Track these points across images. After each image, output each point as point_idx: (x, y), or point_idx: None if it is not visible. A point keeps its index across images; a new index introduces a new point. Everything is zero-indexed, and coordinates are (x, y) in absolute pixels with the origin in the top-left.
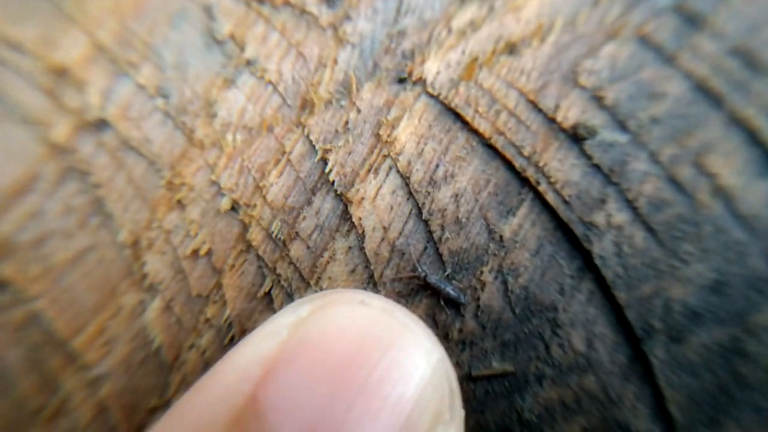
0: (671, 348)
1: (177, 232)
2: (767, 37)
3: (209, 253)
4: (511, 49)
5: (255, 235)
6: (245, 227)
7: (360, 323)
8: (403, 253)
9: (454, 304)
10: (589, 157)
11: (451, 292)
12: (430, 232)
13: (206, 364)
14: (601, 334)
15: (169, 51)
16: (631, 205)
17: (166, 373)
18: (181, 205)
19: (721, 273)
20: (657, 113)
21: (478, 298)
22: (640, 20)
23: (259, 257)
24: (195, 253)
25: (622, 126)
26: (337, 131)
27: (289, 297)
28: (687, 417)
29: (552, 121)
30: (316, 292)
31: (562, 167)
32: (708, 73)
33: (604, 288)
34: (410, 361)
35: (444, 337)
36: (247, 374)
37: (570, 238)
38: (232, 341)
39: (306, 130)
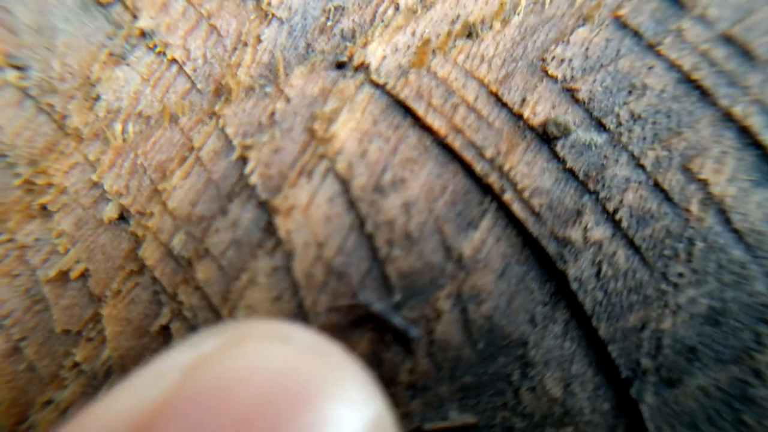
0: (663, 392)
1: (37, 248)
2: (761, 23)
3: (85, 275)
4: (470, 31)
5: (150, 253)
6: (137, 242)
7: (276, 367)
8: (342, 276)
9: (403, 340)
10: (561, 161)
11: (400, 324)
12: (375, 250)
13: None
14: (581, 374)
15: (24, 7)
16: (611, 217)
17: None
18: (45, 211)
19: (718, 300)
20: (638, 109)
21: (432, 331)
22: (617, 0)
23: (154, 280)
24: (63, 275)
25: (598, 124)
26: (260, 124)
27: (194, 331)
28: None
29: (518, 117)
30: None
31: (530, 172)
32: (694, 63)
33: (582, 318)
34: (337, 420)
35: (390, 381)
36: (118, 429)
37: (541, 257)
38: None
39: (221, 122)
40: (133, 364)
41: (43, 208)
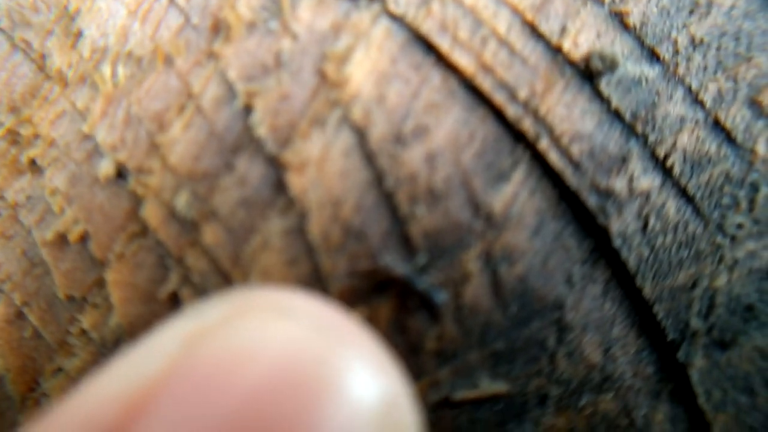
0: (716, 355)
1: (30, 207)
2: None
3: (84, 237)
4: None
5: (152, 213)
6: (138, 201)
7: (283, 346)
8: (361, 237)
9: (429, 305)
10: (605, 100)
11: (425, 288)
12: (396, 208)
13: None
14: (622, 338)
15: None
16: (661, 163)
17: (12, 411)
18: (35, 166)
19: None
20: (700, 32)
21: (460, 295)
22: None
23: (159, 243)
24: (61, 237)
25: (651, 54)
26: (265, 67)
27: (205, 298)
28: None
29: (557, 50)
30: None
31: (569, 115)
32: None
33: (624, 277)
34: (345, 405)
35: (416, 349)
36: (105, 414)
37: (580, 211)
38: None
39: (221, 65)
40: (143, 332)
41: (33, 162)
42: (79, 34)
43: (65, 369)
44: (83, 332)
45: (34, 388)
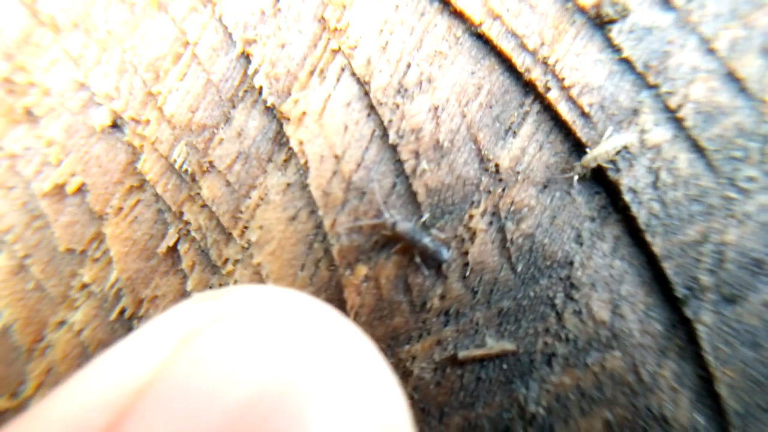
0: (724, 311)
1: (28, 158)
2: None
3: (82, 189)
4: None
5: (150, 166)
6: (135, 154)
7: (268, 351)
8: (364, 192)
9: (434, 262)
10: (617, 49)
11: (429, 245)
12: (400, 162)
13: (83, 349)
14: (630, 295)
15: None
16: (673, 115)
17: (20, 362)
18: (31, 116)
19: None
20: None
21: (467, 253)
22: None
23: (157, 197)
24: (59, 189)
25: (664, 1)
26: (263, 12)
27: (203, 254)
28: (743, 401)
29: None
30: (242, 247)
31: (579, 65)
32: None
33: (634, 233)
34: (338, 421)
35: (421, 308)
36: (93, 415)
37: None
38: (122, 316)
39: (217, 10)
40: (143, 287)
41: (29, 111)
42: None
43: (68, 322)
44: (84, 286)
45: (39, 339)
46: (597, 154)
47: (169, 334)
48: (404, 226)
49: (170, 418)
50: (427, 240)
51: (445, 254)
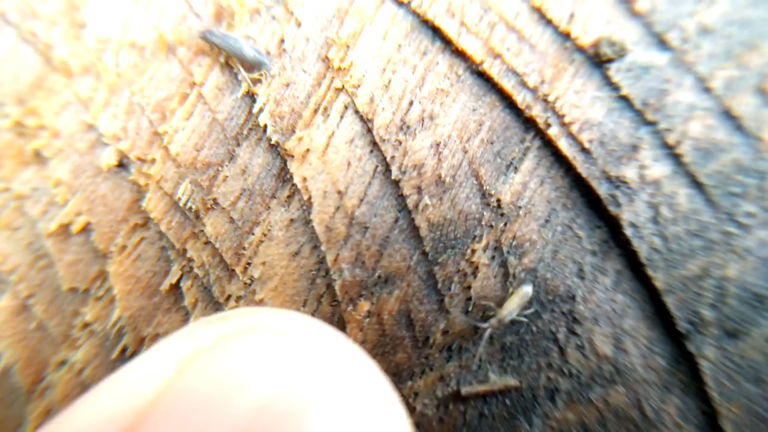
0: (727, 345)
1: (35, 199)
2: None
3: (87, 228)
4: None
5: (154, 204)
6: (140, 192)
7: (276, 370)
8: (366, 227)
9: (252, 67)
10: (615, 87)
11: (247, 51)
12: (403, 197)
13: (83, 389)
14: (633, 330)
15: None
16: (672, 152)
17: (19, 404)
18: (40, 157)
19: None
20: (709, 20)
21: (469, 287)
22: None
23: (161, 235)
24: (64, 228)
25: (660, 41)
26: (268, 53)
27: (206, 291)
28: None
29: (565, 36)
30: (245, 283)
31: (579, 102)
32: None
33: (636, 268)
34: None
35: (423, 343)
36: None
37: (591, 200)
38: (123, 354)
39: (224, 53)
40: (145, 325)
41: (38, 153)
42: (84, 25)
43: (69, 361)
44: (86, 325)
45: (40, 380)
46: (510, 309)
47: (173, 355)
48: (216, 33)
49: None
50: (245, 47)
51: (264, 59)
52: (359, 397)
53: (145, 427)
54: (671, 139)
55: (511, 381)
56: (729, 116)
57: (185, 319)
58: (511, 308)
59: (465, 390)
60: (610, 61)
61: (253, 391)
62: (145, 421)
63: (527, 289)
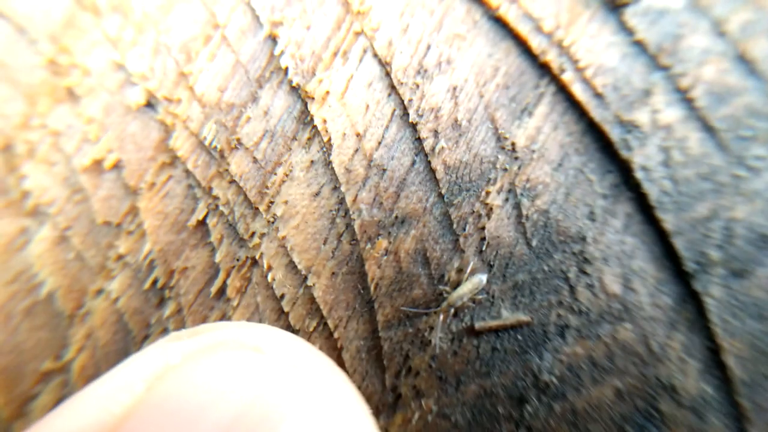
0: (732, 284)
1: (70, 135)
2: None
3: (118, 165)
4: None
5: (181, 143)
6: (167, 131)
7: (245, 386)
8: (384, 170)
9: None
10: (630, 32)
11: None
12: (420, 141)
13: (119, 317)
14: (641, 270)
15: None
16: (684, 96)
17: (63, 327)
18: (73, 95)
19: None
20: None
21: (483, 228)
22: None
23: (188, 173)
24: (97, 164)
25: None
26: None
27: (231, 228)
28: (749, 371)
29: None
30: (268, 221)
31: (594, 47)
32: None
33: (646, 210)
34: None
35: (439, 280)
36: None
37: (603, 144)
38: (155, 285)
39: None
40: (174, 258)
41: (70, 91)
42: None
43: (106, 290)
44: (120, 257)
45: (80, 306)
46: (461, 293)
47: (143, 371)
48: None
49: None
50: None
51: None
52: (330, 409)
53: None
54: (684, 83)
55: (523, 317)
56: (743, 60)
57: (211, 254)
58: (463, 293)
59: (478, 325)
60: (625, 5)
61: (223, 406)
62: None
63: (481, 278)
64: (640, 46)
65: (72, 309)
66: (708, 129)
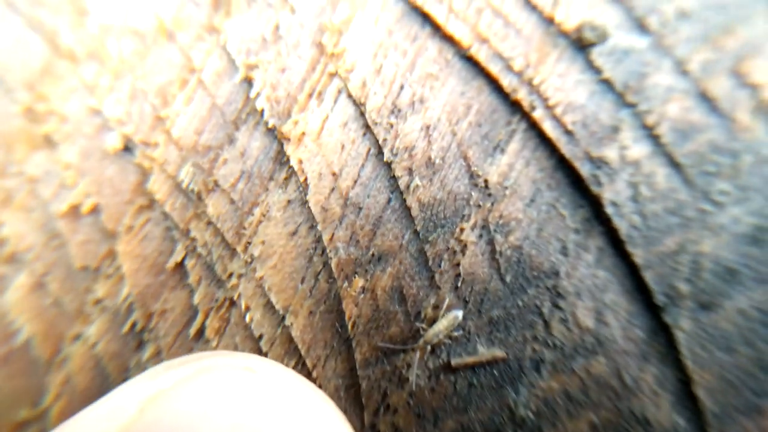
0: (700, 317)
1: (47, 182)
2: None
3: (96, 210)
4: None
5: (159, 186)
6: (145, 174)
7: (235, 405)
8: (360, 208)
9: None
10: (597, 71)
11: None
12: (395, 179)
13: (98, 361)
14: (614, 303)
15: None
16: (651, 133)
17: (40, 374)
18: (50, 142)
19: (763, 217)
20: (686, 4)
21: (458, 264)
22: None
23: (166, 216)
24: (75, 209)
25: (640, 25)
26: (264, 40)
27: (209, 269)
28: (719, 403)
29: (550, 21)
30: (246, 262)
31: (563, 85)
32: None
33: (616, 244)
34: None
35: (415, 317)
36: None
37: (574, 180)
38: (134, 329)
39: (222, 39)
40: (153, 301)
41: (48, 138)
42: (86, 12)
43: (84, 335)
44: (98, 301)
45: (57, 352)
46: (438, 330)
47: (136, 396)
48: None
49: None
50: None
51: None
52: (319, 425)
53: None
54: (650, 120)
55: (499, 353)
56: (705, 98)
57: (190, 296)
58: (439, 330)
59: (455, 361)
60: (592, 45)
61: (214, 425)
62: None
63: (457, 314)
64: (607, 84)
65: (49, 355)
66: (674, 164)
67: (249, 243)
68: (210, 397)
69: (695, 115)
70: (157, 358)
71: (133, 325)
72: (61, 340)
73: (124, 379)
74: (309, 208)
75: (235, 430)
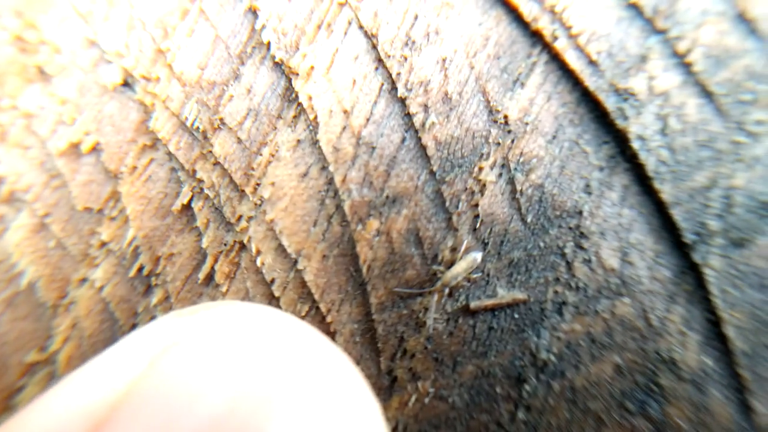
0: (732, 254)
1: (43, 117)
2: None
3: (97, 148)
4: None
5: (162, 124)
6: (147, 112)
7: (249, 364)
8: (374, 147)
9: None
10: None
11: None
12: (410, 116)
13: (105, 305)
14: (639, 243)
15: None
16: (682, 60)
17: (47, 317)
18: (44, 75)
19: None
20: None
21: (477, 205)
22: None
23: (170, 156)
24: (74, 147)
25: None
26: None
27: (217, 211)
28: (750, 342)
29: None
30: (255, 204)
31: (587, 12)
32: None
33: (643, 181)
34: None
35: (432, 260)
36: (70, 426)
37: (599, 114)
38: (141, 273)
39: None
40: (160, 245)
41: (41, 70)
42: None
43: (90, 279)
44: (103, 244)
45: (63, 296)
46: (456, 272)
47: (146, 348)
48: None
49: (145, 429)
50: None
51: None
52: (329, 400)
53: (116, 420)
54: (681, 47)
55: (519, 295)
56: (743, 19)
57: (198, 239)
58: (457, 273)
59: (474, 304)
60: None
61: (222, 392)
62: (116, 414)
63: (475, 256)
64: (635, 9)
65: (55, 299)
66: (706, 94)
67: (258, 184)
68: (222, 351)
69: (731, 39)
70: (166, 302)
71: (140, 269)
72: (67, 284)
73: (133, 325)
74: (320, 147)
75: (248, 383)
